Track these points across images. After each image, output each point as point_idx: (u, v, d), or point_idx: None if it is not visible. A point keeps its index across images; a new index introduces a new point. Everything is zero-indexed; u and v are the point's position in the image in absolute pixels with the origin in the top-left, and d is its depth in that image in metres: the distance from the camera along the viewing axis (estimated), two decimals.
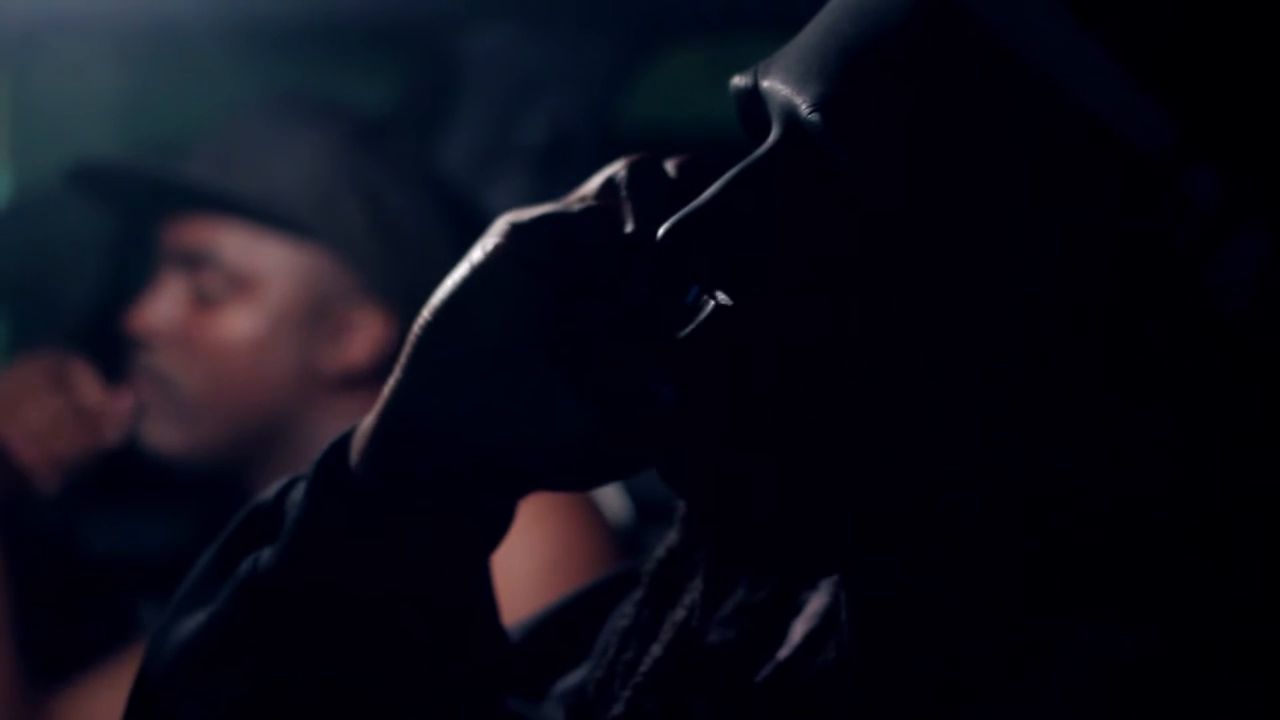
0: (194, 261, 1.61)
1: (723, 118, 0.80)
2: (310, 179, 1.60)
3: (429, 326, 0.74)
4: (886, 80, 0.65)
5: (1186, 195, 0.63)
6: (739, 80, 0.71)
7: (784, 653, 0.77)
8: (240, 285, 1.60)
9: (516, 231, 0.73)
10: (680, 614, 0.78)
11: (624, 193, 0.75)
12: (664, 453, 0.70)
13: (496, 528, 0.77)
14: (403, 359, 0.75)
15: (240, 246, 1.60)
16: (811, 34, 0.68)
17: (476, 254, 0.74)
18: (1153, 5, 0.64)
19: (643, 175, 0.75)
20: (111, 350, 1.69)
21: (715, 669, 0.77)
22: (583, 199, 0.76)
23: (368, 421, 0.76)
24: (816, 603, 0.78)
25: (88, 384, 1.65)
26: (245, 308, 1.60)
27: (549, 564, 1.52)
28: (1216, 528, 0.65)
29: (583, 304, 0.73)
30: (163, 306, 1.63)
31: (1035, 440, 0.66)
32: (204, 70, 1.96)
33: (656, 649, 0.77)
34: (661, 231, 0.68)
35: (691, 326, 0.69)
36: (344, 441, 0.77)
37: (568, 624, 0.86)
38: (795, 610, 0.79)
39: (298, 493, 0.77)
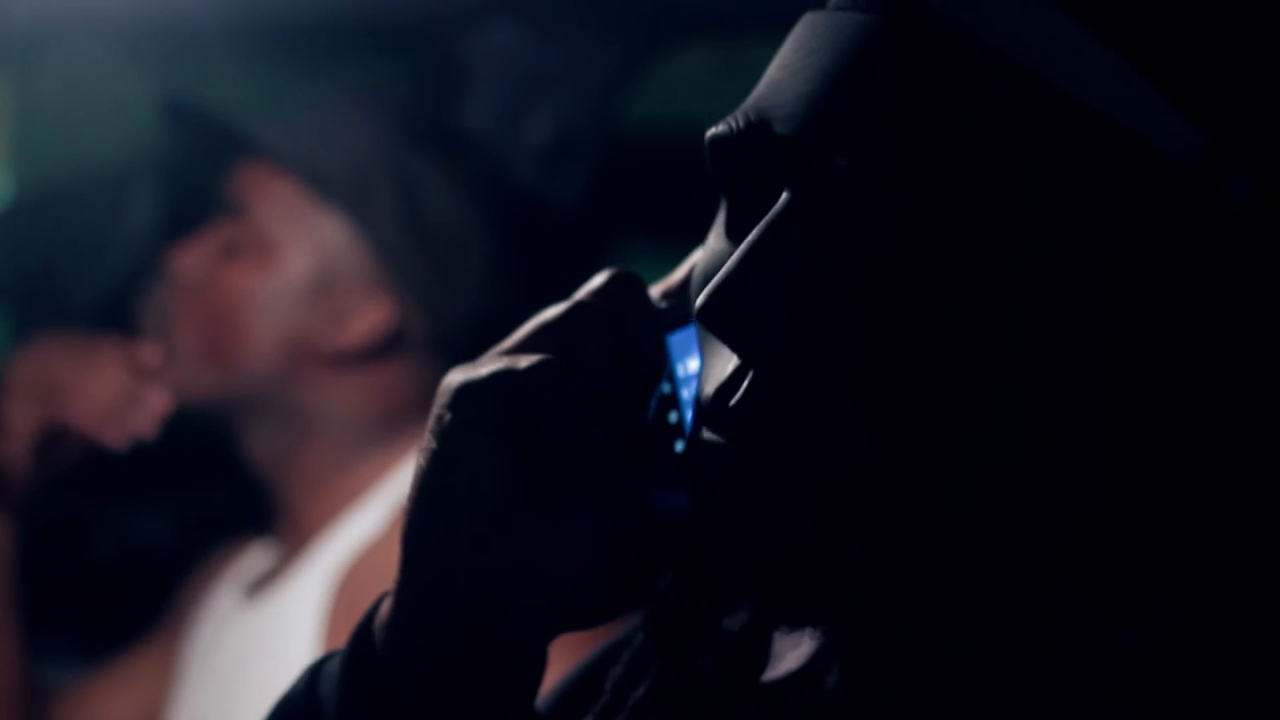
0: (235, 211, 1.65)
1: None
2: (351, 159, 1.62)
3: (413, 517, 0.73)
4: (916, 120, 0.66)
5: (1225, 199, 0.64)
6: (723, 129, 0.71)
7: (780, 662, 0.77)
8: (260, 245, 1.63)
9: (468, 400, 0.72)
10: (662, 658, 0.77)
11: (560, 337, 0.74)
12: (682, 560, 0.71)
13: (534, 674, 0.76)
14: (400, 548, 0.74)
15: (273, 208, 1.63)
16: (802, 76, 0.68)
17: (435, 429, 0.73)
18: (1171, 15, 0.64)
19: (574, 318, 0.74)
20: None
21: (710, 689, 0.76)
22: (531, 341, 0.74)
23: (386, 606, 0.75)
24: None
25: (117, 349, 1.62)
26: (257, 268, 1.63)
27: None
28: (1229, 524, 0.66)
29: (554, 447, 0.72)
30: (197, 249, 1.65)
31: (1074, 441, 0.66)
32: (208, 71, 1.95)
33: (647, 688, 0.77)
34: (699, 303, 0.68)
35: (737, 397, 0.69)
36: (367, 630, 0.76)
37: (584, 689, 0.85)
38: None
39: (329, 685, 0.76)
